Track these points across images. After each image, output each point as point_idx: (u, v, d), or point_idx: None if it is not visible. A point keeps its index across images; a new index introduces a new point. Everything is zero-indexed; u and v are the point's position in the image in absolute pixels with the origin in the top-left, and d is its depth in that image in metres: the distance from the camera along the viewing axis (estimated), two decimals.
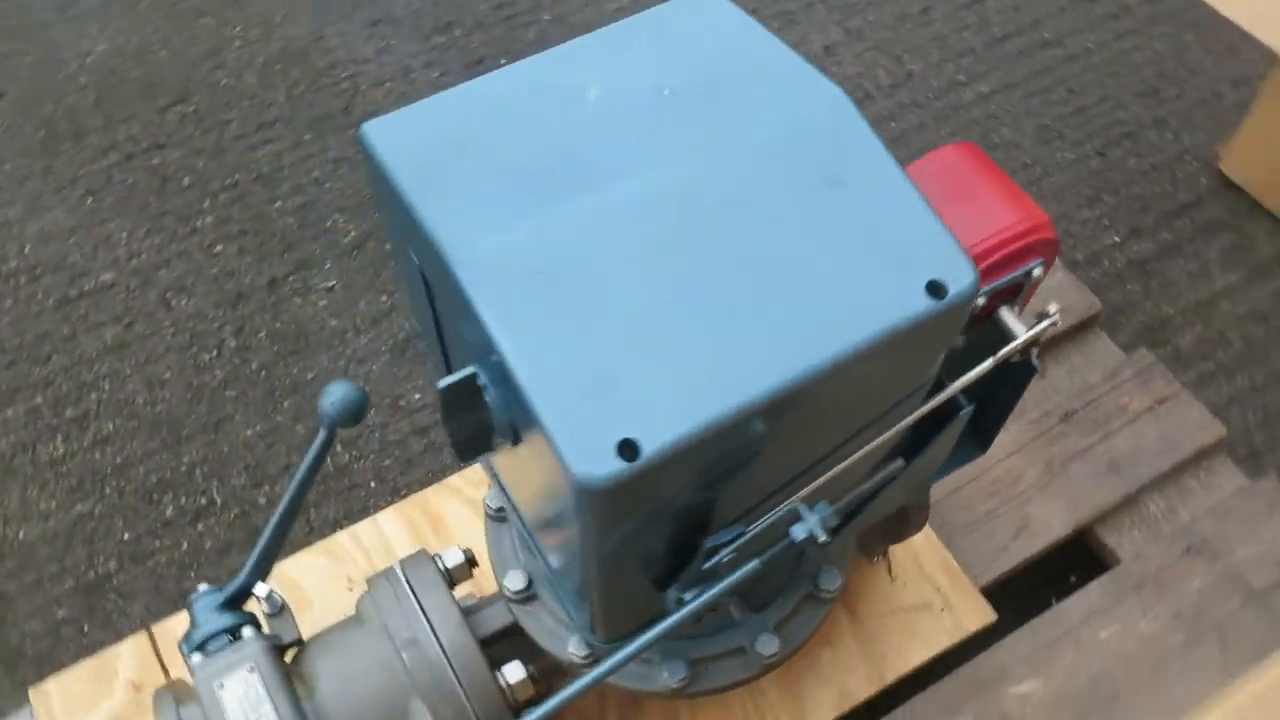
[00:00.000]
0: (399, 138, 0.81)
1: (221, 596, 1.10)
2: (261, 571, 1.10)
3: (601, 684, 0.86)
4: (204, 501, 1.68)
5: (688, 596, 0.87)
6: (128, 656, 1.31)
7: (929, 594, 1.36)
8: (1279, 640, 1.33)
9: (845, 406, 0.81)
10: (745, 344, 0.73)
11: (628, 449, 0.69)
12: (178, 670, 1.30)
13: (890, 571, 1.36)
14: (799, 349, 0.72)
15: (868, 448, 0.85)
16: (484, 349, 0.75)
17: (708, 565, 0.83)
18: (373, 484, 1.69)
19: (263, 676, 1.05)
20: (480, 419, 0.82)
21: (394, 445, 1.72)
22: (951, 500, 1.43)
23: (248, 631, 1.08)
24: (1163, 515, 1.46)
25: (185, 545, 1.63)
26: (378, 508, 1.56)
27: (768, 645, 1.07)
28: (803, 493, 0.83)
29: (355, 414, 1.08)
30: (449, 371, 0.97)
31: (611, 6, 2.27)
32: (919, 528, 1.24)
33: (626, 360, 0.72)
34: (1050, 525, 1.43)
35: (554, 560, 0.96)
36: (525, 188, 0.77)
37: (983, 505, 1.44)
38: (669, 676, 1.05)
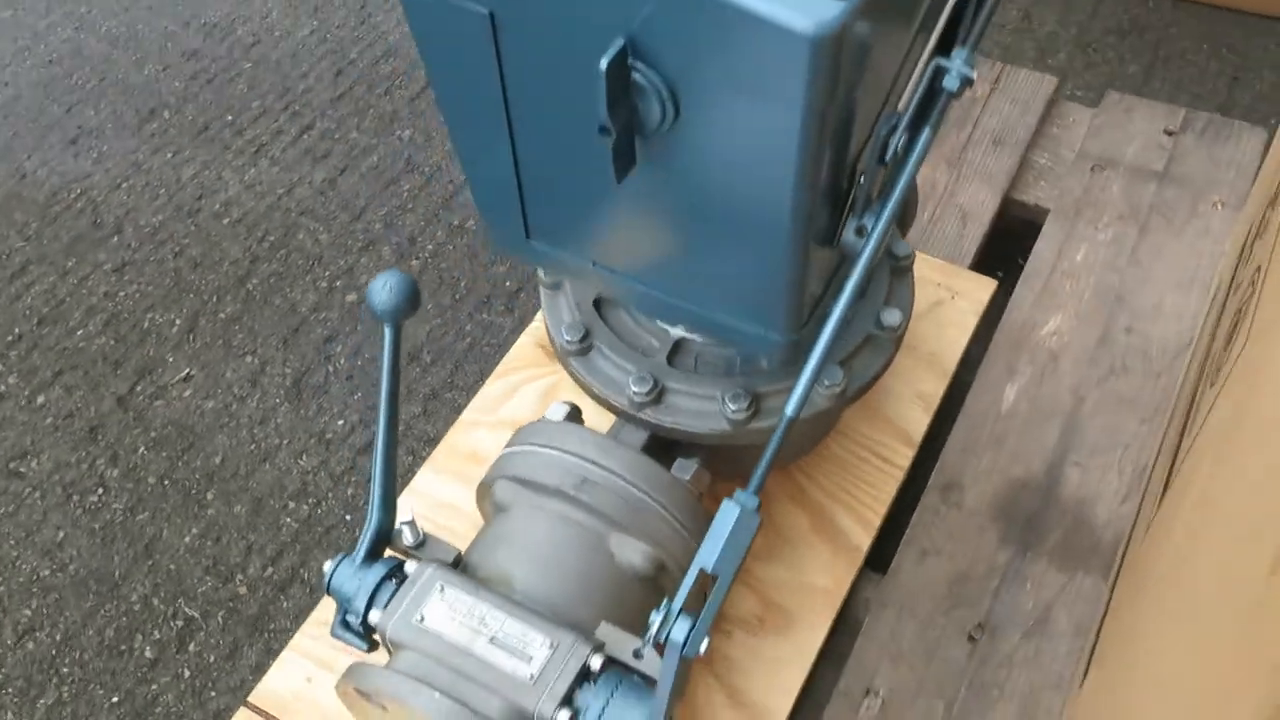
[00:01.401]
0: None
1: (360, 554, 0.98)
2: (389, 508, 0.99)
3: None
4: (180, 624, 1.47)
5: (868, 223, 0.87)
6: None
7: (936, 293, 1.42)
8: (1205, 190, 1.50)
9: None
10: None
11: None
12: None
13: None
14: None
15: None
16: (628, 11, 0.73)
17: (887, 157, 0.84)
18: (348, 518, 1.54)
19: (459, 588, 0.94)
20: (630, 111, 0.79)
21: (345, 474, 1.58)
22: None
23: (411, 566, 0.97)
24: (1051, 163, 1.60)
25: (187, 672, 1.42)
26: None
27: (891, 317, 1.08)
28: (925, 53, 0.86)
29: (412, 299, 1.00)
30: (514, 153, 0.92)
31: (304, 33, 2.21)
32: (914, 219, 1.29)
33: None
34: (983, 204, 1.53)
35: (717, 274, 0.93)
36: None
37: (924, 214, 1.52)
38: (828, 384, 1.03)
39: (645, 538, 0.99)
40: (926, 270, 1.44)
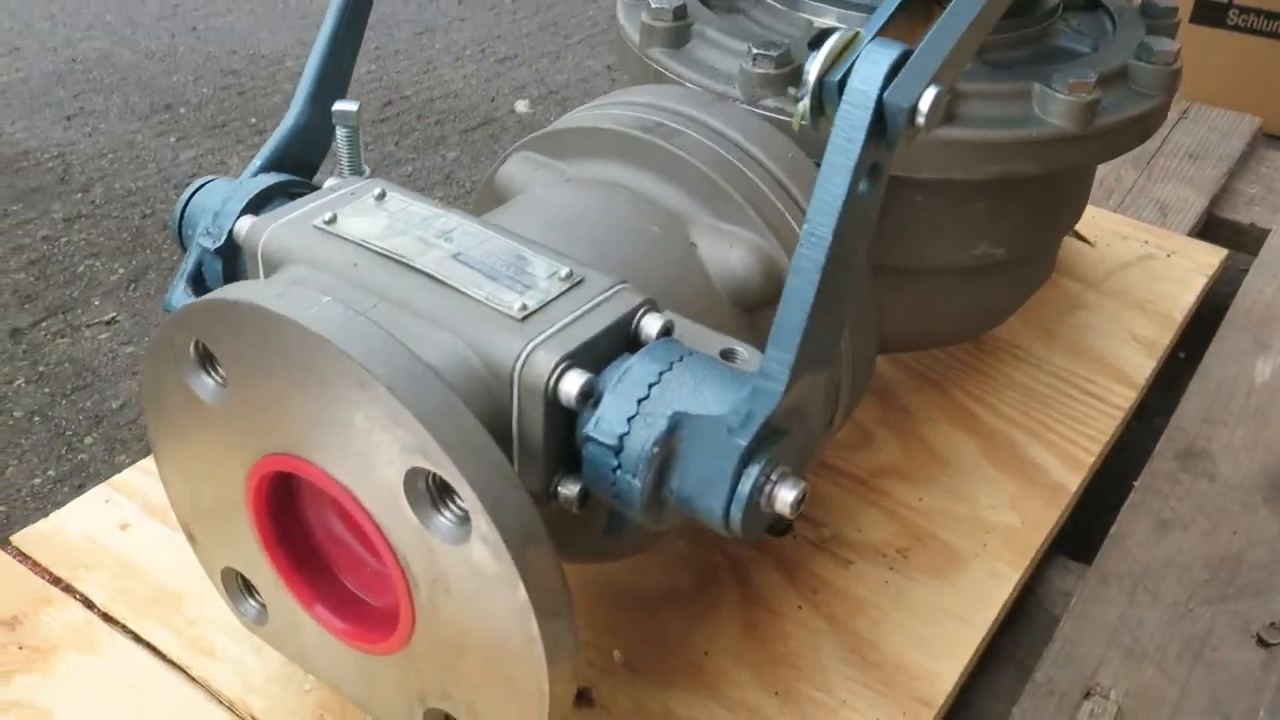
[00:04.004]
0: None
1: (251, 169, 0.56)
2: (321, 106, 0.58)
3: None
4: None
5: None
6: None
7: (1142, 248, 1.02)
8: None
9: None
10: None
11: None
12: (90, 580, 0.64)
13: (1085, 239, 1.02)
14: None
15: None
16: None
17: None
18: None
19: (413, 197, 0.52)
20: None
21: None
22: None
23: (336, 180, 0.54)
24: (1264, 192, 1.24)
25: None
26: None
27: (1163, 44, 0.69)
28: None
29: None
30: None
31: (359, 72, 1.98)
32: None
33: None
34: (1187, 202, 1.16)
35: None
36: None
37: (1111, 201, 1.14)
38: (1073, 80, 0.63)
39: (756, 224, 0.55)
40: (1122, 226, 1.05)
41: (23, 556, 0.65)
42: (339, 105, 0.55)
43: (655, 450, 0.41)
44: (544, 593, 0.41)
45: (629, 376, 0.42)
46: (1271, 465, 0.82)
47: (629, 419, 0.42)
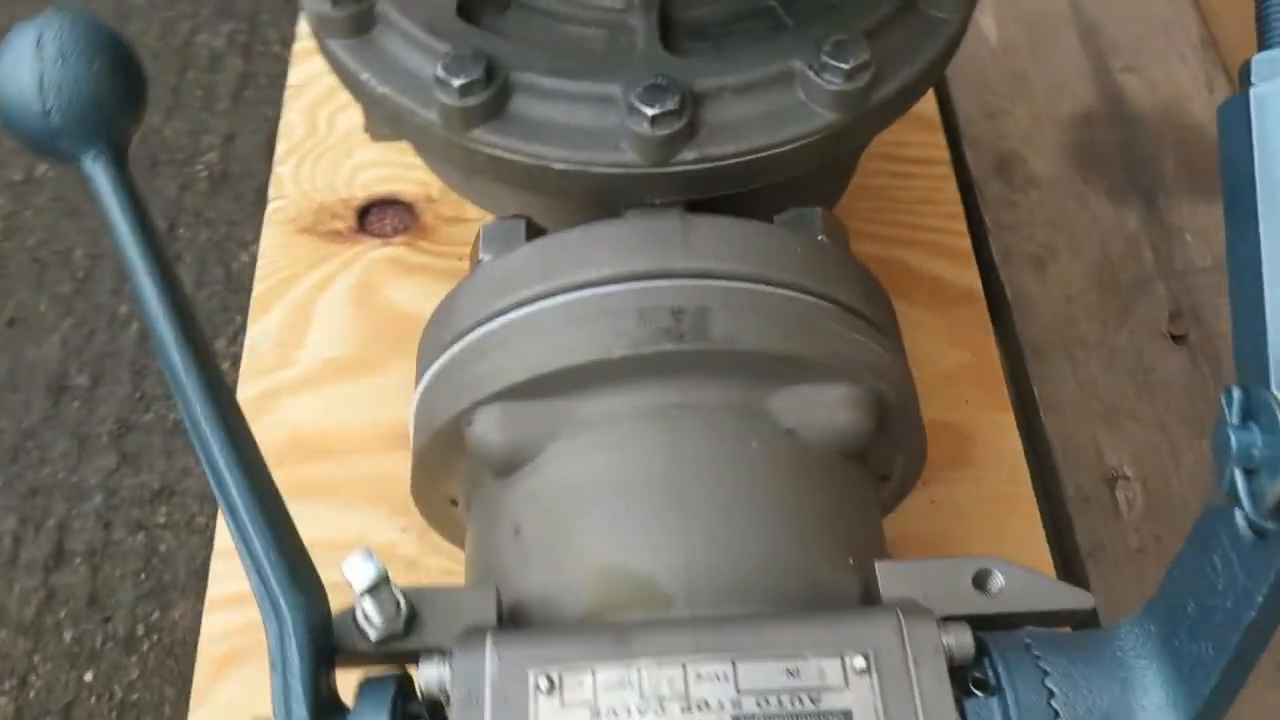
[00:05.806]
0: None
1: (297, 709, 0.39)
2: (306, 578, 0.41)
3: None
4: None
5: None
6: None
7: None
8: None
9: None
10: None
11: None
12: None
13: None
14: None
15: None
16: None
17: None
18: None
19: (583, 659, 0.39)
20: None
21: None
22: None
23: (429, 673, 0.40)
24: None
25: None
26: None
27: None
28: None
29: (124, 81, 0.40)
30: None
31: None
32: None
33: None
34: None
35: None
36: None
37: None
38: (851, 64, 0.51)
39: (836, 370, 0.47)
40: None
41: None
42: (356, 570, 0.38)
43: None
44: None
45: None
46: (1066, 136, 0.87)
47: None
